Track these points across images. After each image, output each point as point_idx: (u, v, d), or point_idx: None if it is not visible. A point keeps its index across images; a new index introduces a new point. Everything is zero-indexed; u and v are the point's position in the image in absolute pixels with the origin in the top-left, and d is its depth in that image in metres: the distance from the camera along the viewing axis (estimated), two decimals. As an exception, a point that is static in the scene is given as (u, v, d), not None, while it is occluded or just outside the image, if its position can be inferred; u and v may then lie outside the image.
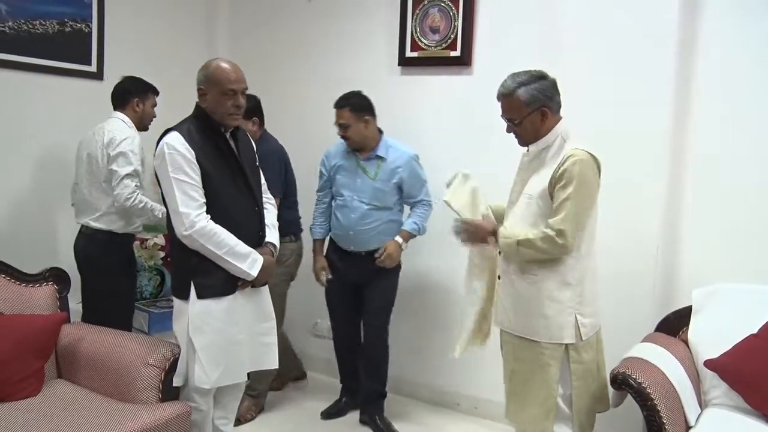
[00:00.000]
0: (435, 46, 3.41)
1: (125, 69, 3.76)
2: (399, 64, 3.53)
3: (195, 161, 2.28)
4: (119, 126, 3.00)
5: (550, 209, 2.23)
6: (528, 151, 2.38)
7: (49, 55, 3.38)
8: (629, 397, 2.25)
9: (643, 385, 2.18)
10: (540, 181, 2.28)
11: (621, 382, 2.23)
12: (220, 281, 2.34)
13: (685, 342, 2.57)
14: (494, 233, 2.33)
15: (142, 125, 3.11)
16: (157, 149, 2.32)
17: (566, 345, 2.27)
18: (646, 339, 2.58)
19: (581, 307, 2.27)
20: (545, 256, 2.22)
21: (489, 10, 3.28)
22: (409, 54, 3.48)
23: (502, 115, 2.34)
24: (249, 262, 2.35)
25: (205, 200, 2.30)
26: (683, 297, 2.75)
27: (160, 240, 3.39)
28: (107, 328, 2.57)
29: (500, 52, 3.25)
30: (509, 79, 2.29)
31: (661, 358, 2.37)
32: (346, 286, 3.23)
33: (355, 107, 3.07)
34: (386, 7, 3.56)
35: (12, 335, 2.34)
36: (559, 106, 2.32)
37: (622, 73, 2.91)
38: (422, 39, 3.44)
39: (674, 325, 2.64)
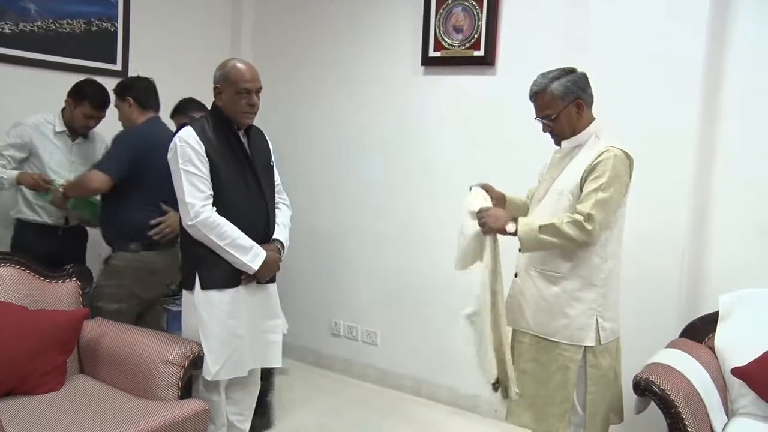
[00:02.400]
0: (458, 46, 3.38)
1: (149, 67, 3.80)
2: (422, 64, 3.52)
3: (204, 154, 2.34)
4: (39, 114, 3.07)
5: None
6: (561, 147, 2.34)
7: (75, 54, 3.43)
8: (653, 404, 2.21)
9: (667, 391, 2.13)
10: (572, 177, 2.24)
11: (644, 388, 2.18)
12: (224, 273, 2.37)
13: (712, 348, 2.51)
14: (515, 219, 2.22)
15: (71, 127, 3.09)
16: (171, 145, 2.38)
17: (585, 348, 2.22)
18: (671, 345, 2.53)
19: (604, 310, 2.23)
20: (568, 243, 2.13)
21: (513, 9, 3.25)
22: (432, 54, 3.46)
23: (536, 116, 2.30)
24: (251, 255, 2.37)
25: (212, 192, 2.35)
26: (709, 302, 2.70)
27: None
28: (128, 325, 2.59)
29: (524, 52, 3.21)
30: (540, 77, 2.27)
31: (686, 364, 2.32)
32: None
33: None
34: (409, 7, 3.54)
35: (36, 331, 2.36)
36: (592, 99, 2.29)
37: (648, 74, 2.86)
38: (446, 38, 3.42)
39: (700, 331, 2.59)
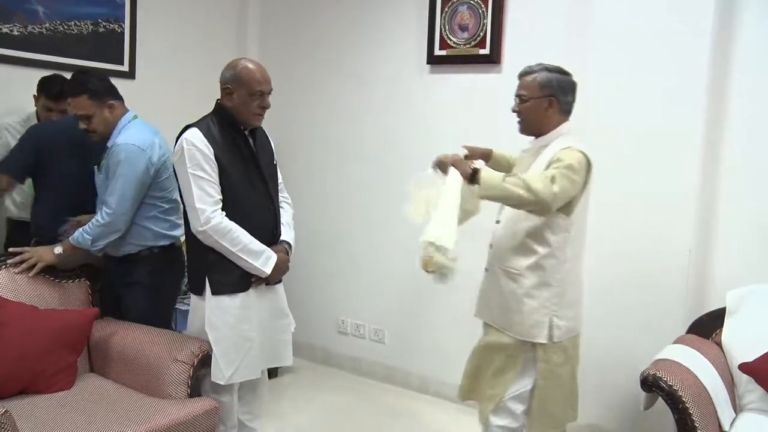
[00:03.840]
0: (464, 44, 3.39)
1: (156, 68, 3.83)
2: (428, 63, 3.52)
3: (213, 158, 2.31)
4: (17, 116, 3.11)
5: None
6: (529, 146, 2.40)
7: (83, 55, 3.45)
8: (660, 400, 2.21)
9: (675, 387, 2.14)
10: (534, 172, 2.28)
11: (651, 383, 2.19)
12: (234, 278, 2.37)
13: (719, 344, 2.51)
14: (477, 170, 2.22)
15: (38, 119, 3.09)
16: (176, 144, 2.35)
17: (535, 344, 2.27)
18: (678, 341, 2.53)
19: (558, 309, 2.27)
20: (529, 196, 2.09)
21: (519, 7, 3.26)
22: (437, 52, 3.47)
23: (516, 94, 2.35)
24: (263, 259, 2.37)
25: (221, 197, 2.32)
26: (716, 299, 2.70)
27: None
28: (138, 324, 2.60)
29: (530, 50, 3.21)
30: (537, 64, 2.34)
31: (694, 360, 2.32)
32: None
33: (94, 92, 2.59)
34: (415, 5, 3.55)
35: (46, 330, 2.38)
36: (569, 107, 2.33)
37: (654, 73, 2.86)
38: (451, 37, 3.43)
39: (707, 327, 2.59)
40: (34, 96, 3.06)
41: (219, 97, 2.45)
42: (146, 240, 2.66)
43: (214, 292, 2.37)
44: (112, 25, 3.58)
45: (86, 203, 2.73)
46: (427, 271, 2.25)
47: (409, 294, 3.65)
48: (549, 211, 2.16)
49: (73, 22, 3.43)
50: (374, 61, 3.74)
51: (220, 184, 2.33)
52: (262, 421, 2.75)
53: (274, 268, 2.40)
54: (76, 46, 3.43)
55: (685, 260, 2.82)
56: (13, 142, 2.96)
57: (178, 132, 2.41)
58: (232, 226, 2.32)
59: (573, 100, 2.34)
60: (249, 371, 2.44)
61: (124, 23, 3.62)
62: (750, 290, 2.55)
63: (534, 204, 2.13)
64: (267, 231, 2.46)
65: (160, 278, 2.71)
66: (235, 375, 2.40)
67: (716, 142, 2.81)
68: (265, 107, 2.39)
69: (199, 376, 2.44)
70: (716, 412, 2.21)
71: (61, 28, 3.38)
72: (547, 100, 2.28)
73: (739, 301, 2.54)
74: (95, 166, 2.66)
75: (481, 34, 3.32)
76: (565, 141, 2.28)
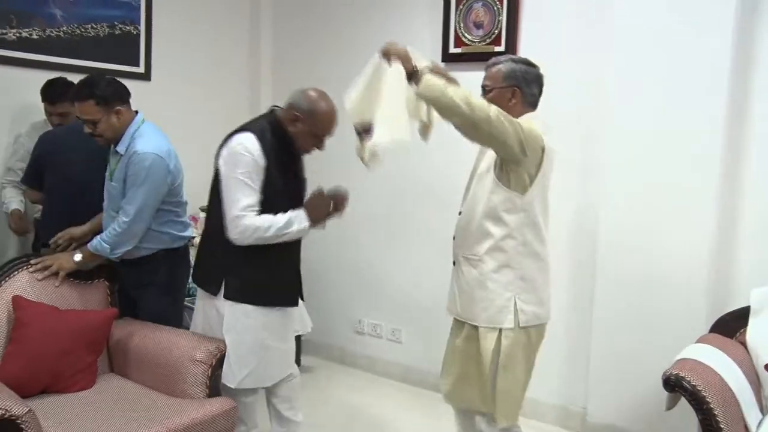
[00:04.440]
0: (479, 42, 3.37)
1: (171, 70, 3.85)
2: (442, 60, 3.50)
3: (264, 169, 2.29)
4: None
5: (500, 181, 2.21)
6: None
7: (99, 58, 3.48)
8: (683, 400, 2.18)
9: (698, 387, 2.10)
10: (489, 157, 2.28)
11: (674, 384, 2.15)
12: (253, 289, 2.36)
13: (743, 344, 2.46)
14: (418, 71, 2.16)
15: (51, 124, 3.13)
16: (229, 146, 2.32)
17: (501, 329, 2.24)
18: (701, 340, 2.48)
19: (521, 291, 2.25)
20: (465, 108, 2.06)
21: (534, 3, 3.23)
22: (452, 50, 3.45)
23: (481, 84, 2.35)
24: (296, 222, 2.32)
25: (259, 208, 2.29)
26: (740, 297, 2.66)
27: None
28: (156, 325, 2.62)
29: (546, 47, 3.19)
30: (504, 56, 2.37)
31: (718, 359, 2.28)
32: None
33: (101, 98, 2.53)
34: (429, 3, 3.53)
35: (67, 330, 2.40)
36: (534, 99, 2.32)
37: (673, 70, 2.81)
38: (466, 34, 3.41)
39: (731, 327, 2.54)
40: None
41: (277, 106, 2.44)
42: (163, 243, 2.69)
43: (229, 298, 2.36)
44: (128, 28, 3.60)
45: (90, 208, 2.76)
46: (362, 158, 2.19)
47: (426, 293, 3.63)
48: (479, 133, 2.11)
49: (90, 25, 3.45)
50: (389, 60, 3.72)
51: (263, 193, 2.30)
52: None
53: (309, 214, 2.35)
54: (93, 49, 3.45)
55: (707, 257, 2.78)
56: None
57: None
58: (257, 222, 2.27)
59: (539, 93, 2.33)
60: (262, 379, 2.44)
61: (139, 25, 3.64)
62: (775, 288, 2.50)
63: (468, 119, 2.08)
64: (296, 247, 2.47)
65: (174, 278, 2.76)
66: (246, 380, 2.39)
67: (738, 137, 2.77)
68: (320, 149, 2.43)
69: (218, 376, 2.44)
70: (742, 413, 2.16)
71: (79, 31, 3.40)
72: (510, 90, 2.28)
73: (764, 300, 2.49)
74: (107, 174, 2.65)
75: (497, 31, 3.30)
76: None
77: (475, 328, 2.30)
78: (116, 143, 2.58)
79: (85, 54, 3.42)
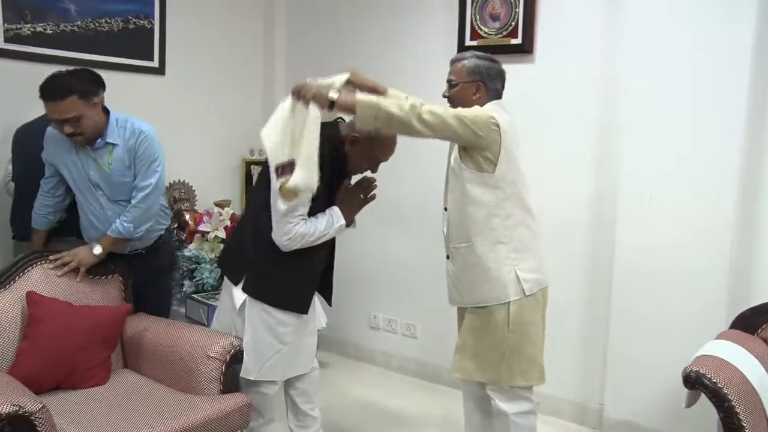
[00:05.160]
0: (495, 34, 3.32)
1: (186, 64, 3.84)
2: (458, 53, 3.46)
3: None
4: None
5: (467, 166, 2.27)
6: None
7: (113, 52, 3.48)
8: (703, 397, 2.14)
9: (719, 384, 2.05)
10: (454, 150, 2.36)
11: (694, 381, 2.11)
12: (284, 293, 2.36)
13: (765, 340, 2.42)
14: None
15: None
16: None
17: (509, 302, 2.29)
18: (721, 336, 2.44)
19: (519, 262, 2.31)
20: (399, 113, 2.10)
21: (551, -5, 3.18)
22: (468, 42, 3.41)
23: (446, 80, 2.43)
24: (335, 222, 2.35)
25: (306, 212, 2.27)
26: (760, 293, 2.62)
27: (221, 233, 3.44)
28: (170, 320, 2.62)
29: (563, 39, 3.14)
30: (468, 52, 2.44)
31: (739, 356, 2.23)
32: None
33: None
34: (444, -5, 3.49)
35: (81, 326, 2.40)
36: (497, 94, 2.39)
37: (693, 62, 2.75)
38: (482, 27, 3.36)
39: (752, 323, 2.49)
40: None
41: (341, 119, 2.42)
42: (167, 221, 2.85)
43: (248, 292, 2.36)
44: (142, 22, 3.60)
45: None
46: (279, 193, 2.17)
47: (441, 289, 3.58)
48: (424, 134, 2.15)
49: (104, 20, 3.45)
50: (404, 52, 3.70)
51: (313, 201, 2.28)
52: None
53: (343, 212, 2.38)
54: (108, 43, 3.45)
55: (727, 252, 2.72)
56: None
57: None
58: (303, 230, 2.26)
59: (502, 87, 2.40)
60: (280, 373, 2.44)
61: (153, 19, 3.63)
62: (797, 284, 2.45)
63: (402, 122, 2.12)
64: (325, 249, 2.47)
65: (173, 257, 3.06)
66: (264, 373, 2.40)
67: (759, 131, 2.71)
68: (373, 172, 2.46)
69: (236, 371, 2.44)
70: (765, 410, 2.12)
71: (93, 26, 3.40)
72: (474, 85, 2.35)
73: (786, 295, 2.45)
74: (92, 170, 2.57)
75: (513, 23, 3.25)
76: None
77: (486, 308, 2.33)
78: (98, 137, 2.52)
79: (99, 49, 3.41)
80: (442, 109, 2.21)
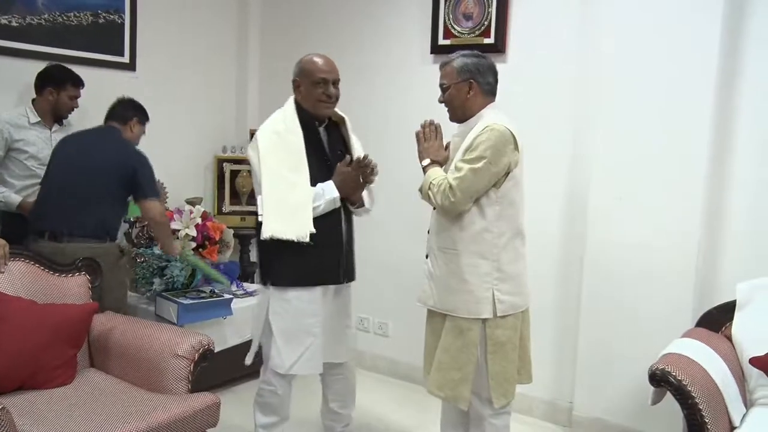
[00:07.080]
0: (468, 34, 3.33)
1: (157, 60, 3.79)
2: (431, 52, 3.47)
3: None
4: (13, 111, 3.08)
5: None
6: (457, 130, 2.42)
7: (83, 47, 3.42)
8: (669, 395, 2.17)
9: (684, 382, 2.09)
10: (461, 153, 2.32)
11: (660, 379, 2.14)
12: (298, 272, 2.39)
13: (729, 338, 2.46)
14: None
15: (57, 114, 3.11)
16: (252, 140, 2.41)
17: (482, 320, 2.28)
18: (687, 334, 2.48)
19: (499, 282, 2.29)
20: (439, 203, 2.28)
21: (524, -6, 3.20)
22: (441, 41, 3.42)
23: (438, 85, 2.41)
24: (326, 194, 2.37)
25: None
26: (726, 291, 2.65)
27: (192, 231, 3.40)
28: (138, 319, 2.58)
29: (536, 38, 3.16)
30: (454, 53, 2.40)
31: (703, 354, 2.27)
32: None
33: None
34: (418, -6, 3.49)
35: (46, 324, 2.36)
36: (491, 88, 2.37)
37: (663, 65, 2.78)
38: (455, 26, 3.37)
39: (717, 320, 2.54)
40: (49, 90, 3.03)
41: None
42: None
43: (275, 284, 2.41)
44: (112, 16, 3.54)
45: None
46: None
47: (413, 287, 3.58)
48: (459, 210, 2.26)
49: (72, 13, 3.39)
50: (377, 51, 3.69)
51: None
52: (354, 410, 2.78)
53: (338, 186, 2.39)
54: (76, 38, 3.39)
55: (694, 252, 2.76)
56: (22, 137, 3.01)
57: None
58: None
59: (494, 81, 2.38)
60: (310, 365, 2.46)
61: (124, 14, 3.58)
62: (761, 282, 2.49)
63: (443, 207, 2.28)
64: (335, 224, 2.48)
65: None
66: (296, 366, 2.42)
67: (726, 132, 2.75)
68: (330, 96, 2.42)
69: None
70: (726, 407, 2.16)
71: (61, 19, 3.34)
72: (466, 83, 2.33)
73: (749, 294, 2.49)
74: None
75: (486, 22, 3.27)
76: (487, 119, 2.30)
77: (454, 317, 2.32)
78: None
79: (67, 43, 3.35)
80: (462, 172, 2.22)
